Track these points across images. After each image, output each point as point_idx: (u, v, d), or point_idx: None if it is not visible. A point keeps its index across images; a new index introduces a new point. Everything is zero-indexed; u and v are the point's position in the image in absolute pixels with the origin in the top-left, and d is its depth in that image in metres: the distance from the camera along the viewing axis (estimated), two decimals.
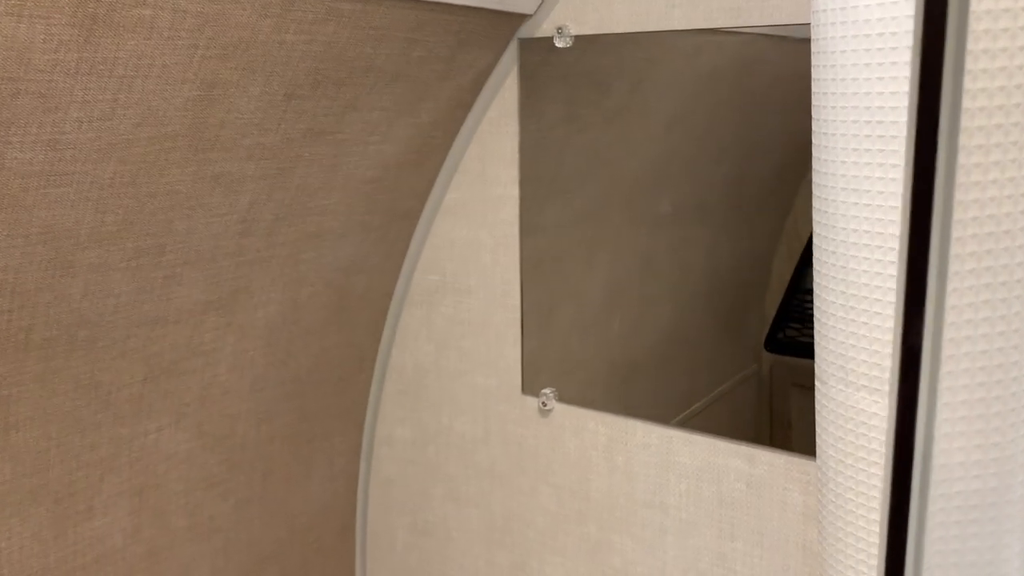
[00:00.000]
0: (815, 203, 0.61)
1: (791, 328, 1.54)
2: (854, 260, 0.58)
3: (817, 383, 0.63)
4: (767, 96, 1.29)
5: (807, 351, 1.53)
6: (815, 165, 0.60)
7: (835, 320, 0.60)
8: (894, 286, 0.56)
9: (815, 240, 0.62)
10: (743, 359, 1.58)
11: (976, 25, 0.42)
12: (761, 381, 1.62)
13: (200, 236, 0.92)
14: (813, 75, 0.59)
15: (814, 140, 0.60)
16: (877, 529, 0.60)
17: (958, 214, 0.43)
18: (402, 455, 1.27)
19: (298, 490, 1.20)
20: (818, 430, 0.64)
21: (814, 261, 0.62)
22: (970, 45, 0.42)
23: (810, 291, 1.56)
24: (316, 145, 0.97)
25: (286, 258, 1.04)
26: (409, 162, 1.11)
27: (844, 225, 0.58)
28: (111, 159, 0.78)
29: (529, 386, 1.15)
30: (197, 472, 1.05)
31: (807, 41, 1.10)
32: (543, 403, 1.13)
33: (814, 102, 0.59)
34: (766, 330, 1.55)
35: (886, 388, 0.57)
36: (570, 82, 1.15)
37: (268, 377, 1.10)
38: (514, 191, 1.12)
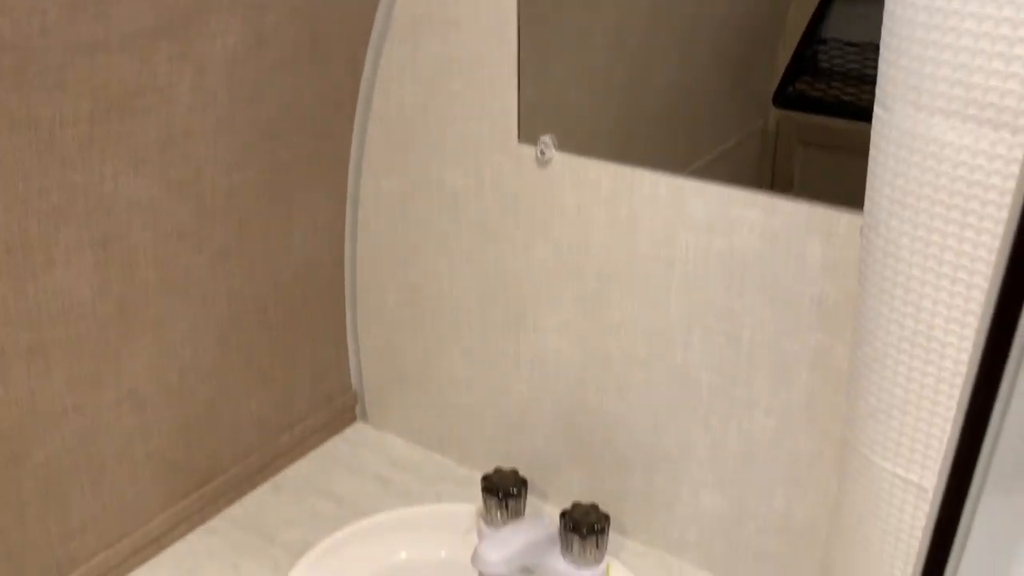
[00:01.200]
0: None
1: (802, 81, 1.42)
2: None
3: (877, 110, 0.53)
4: None
5: (817, 106, 1.42)
6: None
7: (911, 28, 0.48)
8: None
9: None
10: (749, 114, 1.48)
11: None
12: (766, 138, 1.52)
13: None
14: None
15: None
16: (932, 279, 0.52)
17: None
18: (390, 208, 1.18)
19: (279, 243, 1.13)
20: (871, 166, 0.54)
21: None
22: None
23: (826, 41, 1.42)
24: None
25: None
26: None
27: None
28: None
29: (526, 133, 1.04)
30: (165, 222, 0.97)
31: None
32: (541, 151, 1.03)
33: None
34: (775, 83, 1.43)
35: (969, 111, 0.47)
36: None
37: (235, 119, 0.99)
38: None
